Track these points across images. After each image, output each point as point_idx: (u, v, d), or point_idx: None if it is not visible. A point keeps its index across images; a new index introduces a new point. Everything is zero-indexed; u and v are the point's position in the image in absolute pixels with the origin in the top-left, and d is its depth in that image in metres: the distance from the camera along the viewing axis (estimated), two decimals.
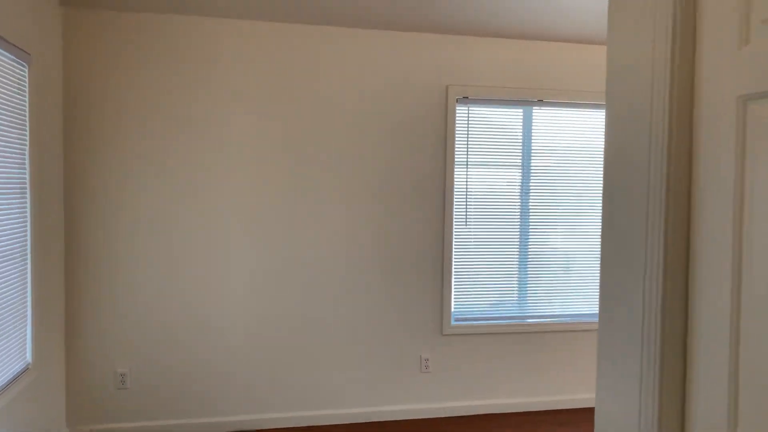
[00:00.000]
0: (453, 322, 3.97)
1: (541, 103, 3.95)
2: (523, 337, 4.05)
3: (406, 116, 3.79)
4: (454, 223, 3.92)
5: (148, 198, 3.52)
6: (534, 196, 4.02)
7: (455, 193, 3.90)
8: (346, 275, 3.79)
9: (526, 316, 4.08)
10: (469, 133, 3.91)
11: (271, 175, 3.66)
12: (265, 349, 3.72)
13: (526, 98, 3.92)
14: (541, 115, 3.98)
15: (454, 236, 3.92)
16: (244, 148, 3.61)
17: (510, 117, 3.96)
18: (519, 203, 4.01)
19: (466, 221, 3.95)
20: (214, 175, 3.58)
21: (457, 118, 3.87)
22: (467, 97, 3.86)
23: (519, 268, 4.05)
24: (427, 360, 3.93)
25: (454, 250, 3.93)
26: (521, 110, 3.97)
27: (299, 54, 3.65)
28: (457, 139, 3.87)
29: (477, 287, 4.02)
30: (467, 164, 3.92)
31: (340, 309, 3.80)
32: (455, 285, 3.97)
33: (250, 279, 3.68)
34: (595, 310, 4.16)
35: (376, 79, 3.74)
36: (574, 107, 4.00)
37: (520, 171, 4.00)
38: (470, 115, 3.90)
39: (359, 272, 3.81)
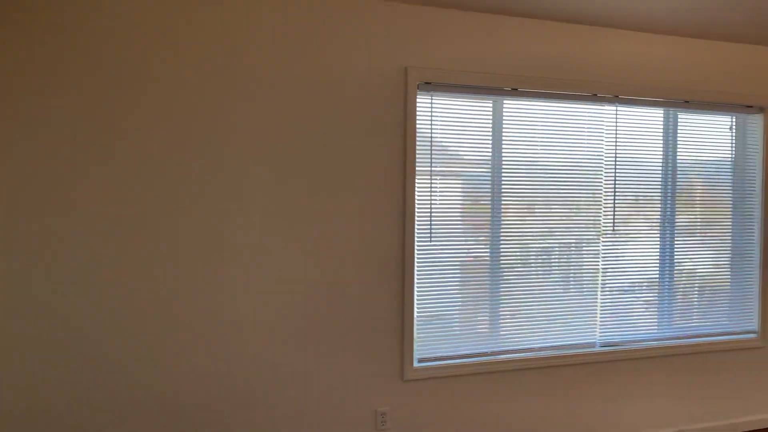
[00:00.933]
0: (416, 364, 3.16)
1: (515, 93, 3.27)
2: (500, 377, 3.31)
3: (351, 107, 2.98)
4: (416, 239, 3.13)
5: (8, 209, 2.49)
6: (507, 207, 3.32)
7: (417, 202, 3.13)
8: (274, 309, 2.91)
9: (500, 351, 3.34)
10: (433, 129, 3.16)
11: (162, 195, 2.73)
12: (163, 417, 2.75)
13: (498, 86, 3.23)
14: (514, 107, 3.31)
15: (416, 256, 3.14)
16: (137, 154, 2.66)
17: (478, 110, 3.25)
18: (490, 215, 3.30)
19: (430, 236, 3.18)
20: (102, 178, 2.61)
21: (418, 111, 3.11)
22: (430, 83, 3.11)
23: (491, 291, 3.33)
24: (384, 415, 3.09)
25: (416, 272, 3.15)
26: (491, 102, 3.27)
27: (200, 17, 2.76)
28: (418, 137, 3.11)
29: (445, 318, 3.25)
30: (431, 168, 3.16)
31: (264, 354, 2.90)
32: (418, 316, 3.18)
33: (143, 325, 2.71)
34: (586, 339, 3.50)
35: (311, 57, 2.91)
36: (555, 99, 3.35)
37: (490, 177, 3.29)
38: (434, 107, 3.15)
39: (291, 305, 2.93)
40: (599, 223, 3.50)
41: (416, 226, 3.12)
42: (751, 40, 3.67)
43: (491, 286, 3.32)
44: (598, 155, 3.47)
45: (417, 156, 3.10)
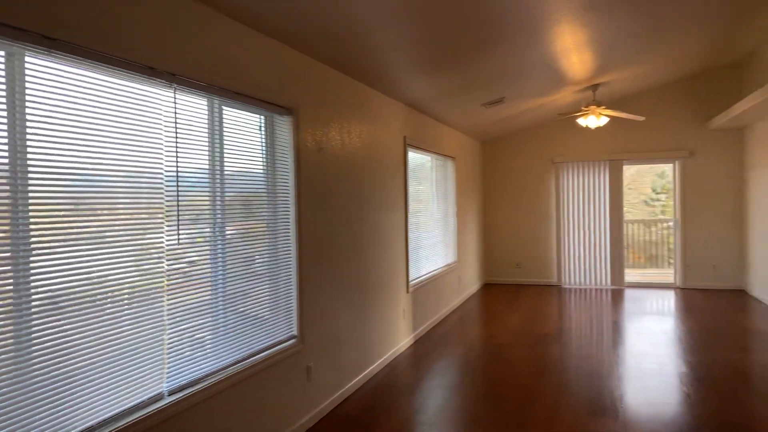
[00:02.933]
0: None
1: (47, 45, 2.14)
2: None
3: None
4: None
5: None
6: (38, 220, 2.15)
7: None
8: None
9: None
10: None
11: None
12: None
13: (18, 24, 2.03)
14: (42, 71, 2.17)
15: None
16: None
17: None
18: (9, 237, 2.06)
19: None
20: None
21: None
22: None
23: (15, 359, 2.08)
24: None
25: None
26: (2, 53, 2.04)
27: None
28: None
29: None
30: None
31: None
32: None
33: None
34: (153, 391, 2.63)
35: None
36: (102, 66, 2.37)
37: (9, 177, 2.06)
38: None
39: None
40: (162, 239, 2.72)
41: None
42: (293, 44, 3.63)
43: (16, 349, 2.07)
44: (157, 153, 2.68)
45: None
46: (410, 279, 6.07)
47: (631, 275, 9.82)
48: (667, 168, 9.77)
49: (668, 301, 8.19)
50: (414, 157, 6.46)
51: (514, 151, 9.93)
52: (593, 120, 7.59)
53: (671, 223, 9.48)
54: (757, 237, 8.06)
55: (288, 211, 3.80)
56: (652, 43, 5.98)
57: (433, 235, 7.18)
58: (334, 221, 4.34)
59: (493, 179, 10.07)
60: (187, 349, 2.87)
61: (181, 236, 2.83)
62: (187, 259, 2.89)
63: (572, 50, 5.38)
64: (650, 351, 5.56)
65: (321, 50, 3.91)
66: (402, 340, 5.77)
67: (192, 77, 2.85)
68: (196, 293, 2.97)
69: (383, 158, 5.33)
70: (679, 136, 8.99)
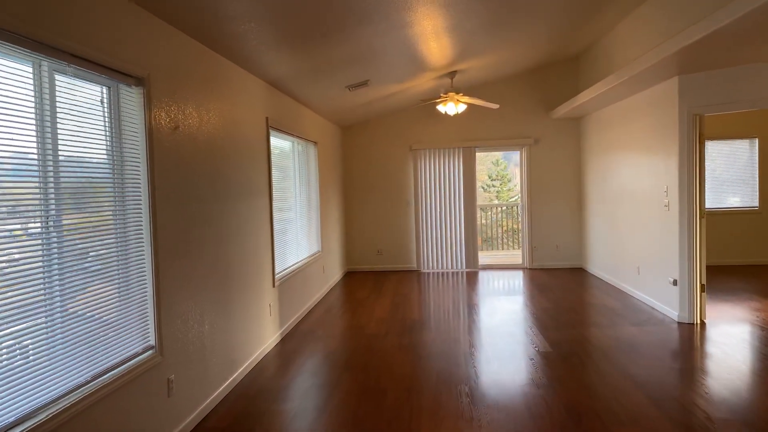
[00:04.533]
0: None
1: None
2: None
3: None
4: None
5: None
6: None
7: None
8: None
9: None
10: None
11: None
12: None
13: None
14: None
15: None
16: None
17: None
18: None
19: None
20: None
21: None
22: None
23: None
24: None
25: None
26: None
27: None
28: None
29: None
30: None
31: None
32: None
33: None
34: None
35: None
36: None
37: None
38: None
39: None
40: None
41: None
42: (144, 4, 3.05)
43: None
44: None
45: None
46: (276, 272, 5.66)
47: (483, 258, 10.26)
48: (500, 156, 10.32)
49: (519, 281, 8.64)
50: (276, 141, 6.03)
51: (373, 137, 9.84)
52: (452, 107, 7.69)
53: (505, 208, 10.02)
54: (593, 218, 8.80)
55: (139, 199, 3.23)
56: (505, 34, 6.14)
57: (298, 224, 6.82)
58: (193, 211, 3.82)
59: (354, 166, 9.91)
60: (18, 372, 2.26)
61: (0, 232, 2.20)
62: (14, 260, 2.26)
63: (432, 35, 5.31)
64: (515, 331, 5.74)
65: (176, 14, 3.37)
66: (269, 339, 5.35)
67: (15, 31, 2.22)
68: (27, 302, 2.35)
69: (245, 140, 4.86)
70: (526, 124, 9.50)
